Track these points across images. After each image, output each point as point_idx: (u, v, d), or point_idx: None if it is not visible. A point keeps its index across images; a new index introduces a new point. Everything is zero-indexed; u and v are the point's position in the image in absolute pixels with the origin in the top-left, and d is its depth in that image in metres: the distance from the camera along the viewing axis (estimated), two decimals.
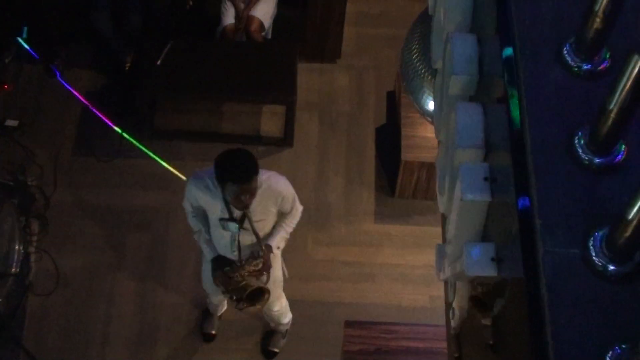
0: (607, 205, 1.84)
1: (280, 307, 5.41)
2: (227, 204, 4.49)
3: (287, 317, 5.57)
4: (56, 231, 6.05)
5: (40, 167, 6.26)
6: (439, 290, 4.22)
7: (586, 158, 1.89)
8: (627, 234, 1.67)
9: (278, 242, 4.75)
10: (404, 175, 6.14)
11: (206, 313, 5.73)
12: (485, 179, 2.24)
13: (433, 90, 3.82)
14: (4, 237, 5.51)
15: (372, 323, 5.07)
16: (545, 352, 1.71)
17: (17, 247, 5.68)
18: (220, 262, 4.76)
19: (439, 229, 4.00)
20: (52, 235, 6.02)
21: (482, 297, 2.45)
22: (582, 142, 1.89)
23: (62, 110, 6.64)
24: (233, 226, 4.56)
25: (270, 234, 4.75)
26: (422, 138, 6.04)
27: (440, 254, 3.19)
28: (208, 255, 4.79)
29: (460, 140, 2.38)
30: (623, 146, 1.88)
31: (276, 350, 5.68)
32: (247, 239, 4.66)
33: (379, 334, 4.94)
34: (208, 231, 4.74)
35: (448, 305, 3.57)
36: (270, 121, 6.70)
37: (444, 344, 3.76)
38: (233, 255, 4.75)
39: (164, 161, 6.34)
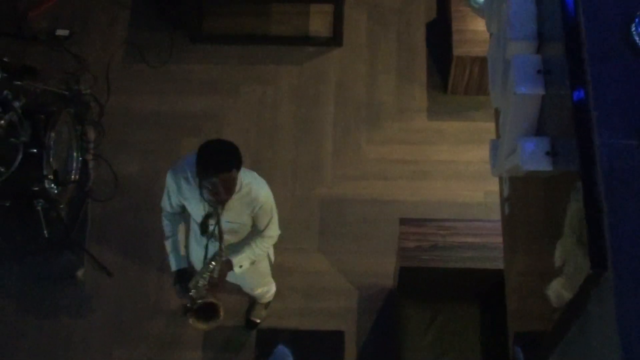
0: None
1: (262, 291, 5.23)
2: (204, 203, 4.19)
3: (267, 294, 5.35)
4: (112, 138, 6.13)
5: (93, 75, 6.31)
6: (493, 186, 4.20)
7: None
8: None
9: (241, 261, 4.42)
10: (456, 71, 6.06)
11: None
12: (539, 71, 2.21)
13: None
14: (63, 146, 5.60)
15: (427, 220, 5.08)
16: (603, 244, 1.71)
17: (75, 155, 5.79)
18: (183, 276, 4.46)
19: (492, 124, 3.97)
20: (108, 142, 6.11)
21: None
22: None
23: (111, 17, 6.64)
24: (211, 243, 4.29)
25: (237, 250, 4.43)
26: (473, 32, 5.94)
27: (494, 149, 3.18)
28: (173, 265, 4.47)
29: (512, 32, 2.34)
30: None
31: (258, 320, 5.51)
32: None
33: (434, 230, 4.95)
34: (183, 238, 4.46)
35: (503, 200, 3.57)
36: (318, 21, 6.63)
37: (500, 239, 3.78)
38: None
39: (214, 65, 6.35)
